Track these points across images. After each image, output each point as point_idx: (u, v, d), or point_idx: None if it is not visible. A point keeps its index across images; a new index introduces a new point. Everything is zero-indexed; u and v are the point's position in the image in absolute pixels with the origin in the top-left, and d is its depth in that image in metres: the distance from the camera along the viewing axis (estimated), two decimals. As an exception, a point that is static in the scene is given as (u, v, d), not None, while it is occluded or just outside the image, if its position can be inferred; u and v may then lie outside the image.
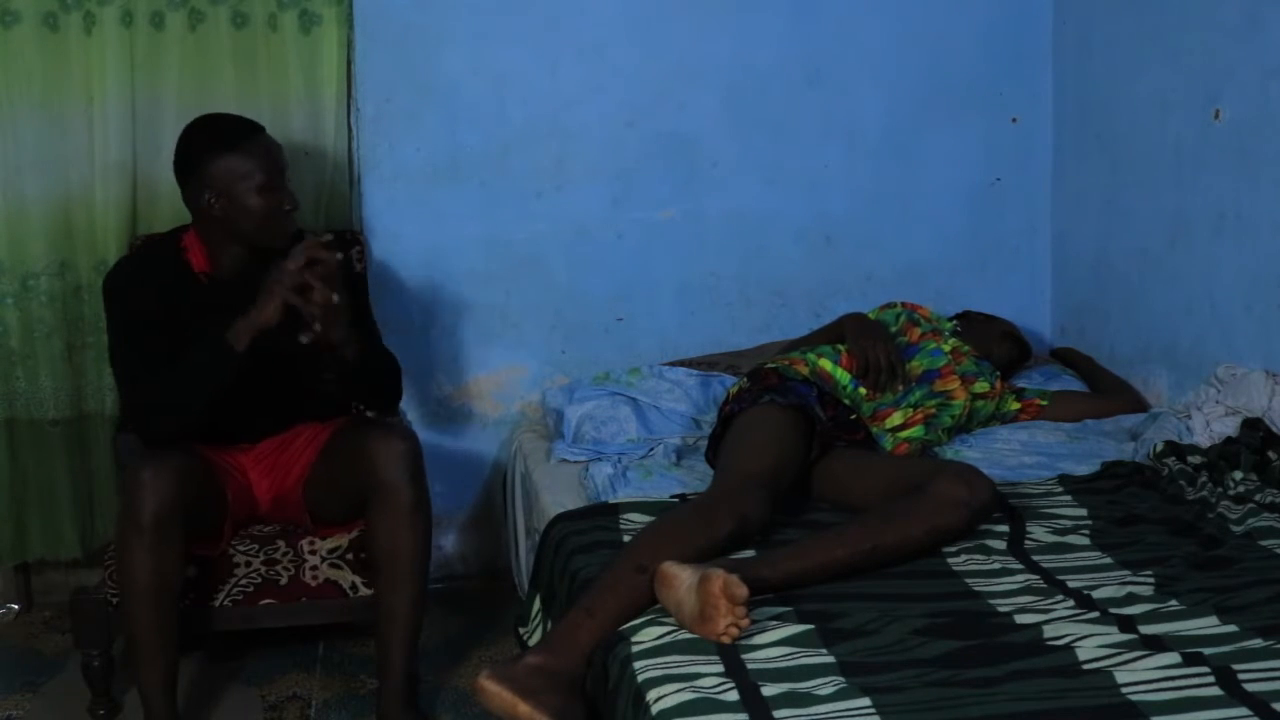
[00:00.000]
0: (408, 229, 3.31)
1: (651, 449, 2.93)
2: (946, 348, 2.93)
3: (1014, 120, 3.55)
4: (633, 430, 3.03)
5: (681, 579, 1.94)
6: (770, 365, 2.77)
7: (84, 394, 3.19)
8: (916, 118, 3.50)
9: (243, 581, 2.72)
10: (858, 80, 3.45)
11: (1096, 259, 3.39)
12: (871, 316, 3.00)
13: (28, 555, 3.23)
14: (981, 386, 2.96)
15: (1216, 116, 2.88)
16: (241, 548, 2.72)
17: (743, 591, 1.87)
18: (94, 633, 2.69)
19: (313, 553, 2.74)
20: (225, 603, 2.72)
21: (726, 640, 1.86)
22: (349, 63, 3.22)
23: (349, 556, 2.74)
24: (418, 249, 3.32)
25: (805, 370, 2.74)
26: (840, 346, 2.84)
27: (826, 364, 2.78)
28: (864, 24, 3.43)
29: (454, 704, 2.78)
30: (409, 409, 3.36)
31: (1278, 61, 2.69)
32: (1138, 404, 3.13)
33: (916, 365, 2.86)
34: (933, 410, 2.83)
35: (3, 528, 3.19)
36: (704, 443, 3.00)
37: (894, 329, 2.94)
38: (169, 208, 3.17)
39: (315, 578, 2.74)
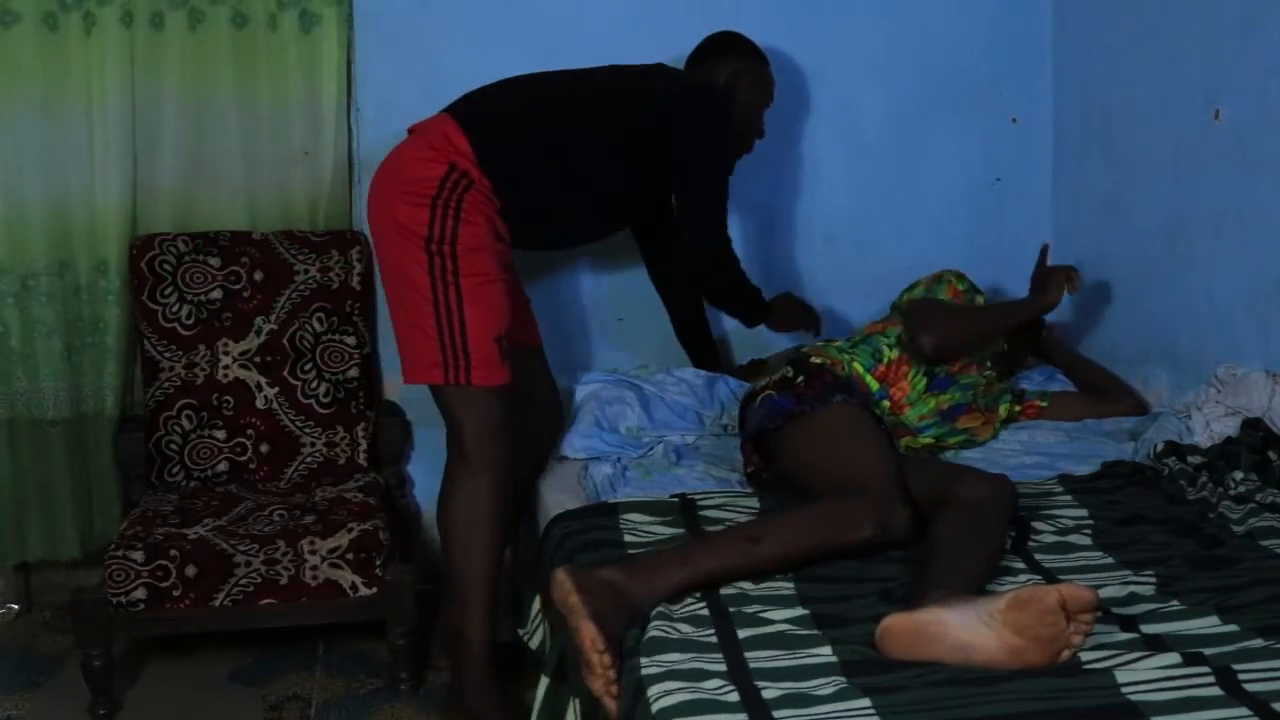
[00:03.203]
0: (408, 229, 3.30)
1: (651, 449, 2.93)
2: (981, 380, 2.87)
3: (1014, 120, 3.55)
4: (635, 418, 3.02)
5: (942, 623, 1.79)
6: (816, 361, 2.67)
7: (84, 394, 3.19)
8: (916, 118, 3.50)
9: (243, 581, 2.72)
10: (858, 80, 3.45)
11: (1096, 259, 3.39)
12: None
13: (28, 555, 3.23)
14: (1003, 412, 2.97)
15: (1216, 116, 2.88)
16: (241, 548, 2.73)
17: (1090, 596, 1.77)
18: (94, 633, 2.70)
19: (313, 553, 2.74)
20: (225, 603, 2.72)
21: (1069, 655, 1.77)
22: (349, 63, 3.22)
23: (349, 556, 2.75)
24: (418, 249, 3.31)
25: (843, 372, 2.67)
26: (890, 351, 2.74)
27: (859, 368, 2.71)
28: (864, 24, 3.43)
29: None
30: (409, 409, 3.36)
31: (1278, 61, 2.69)
32: (1138, 406, 3.13)
33: (945, 400, 2.80)
34: (955, 445, 2.83)
35: (3, 528, 3.19)
36: (704, 441, 3.01)
37: None
38: (169, 208, 3.18)
39: (315, 578, 2.74)
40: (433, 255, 2.50)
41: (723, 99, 2.88)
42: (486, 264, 2.55)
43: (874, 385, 2.72)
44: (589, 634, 1.89)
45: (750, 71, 3.01)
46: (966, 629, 1.78)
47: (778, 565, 2.12)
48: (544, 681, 2.16)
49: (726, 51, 3.00)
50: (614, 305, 3.43)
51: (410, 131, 2.72)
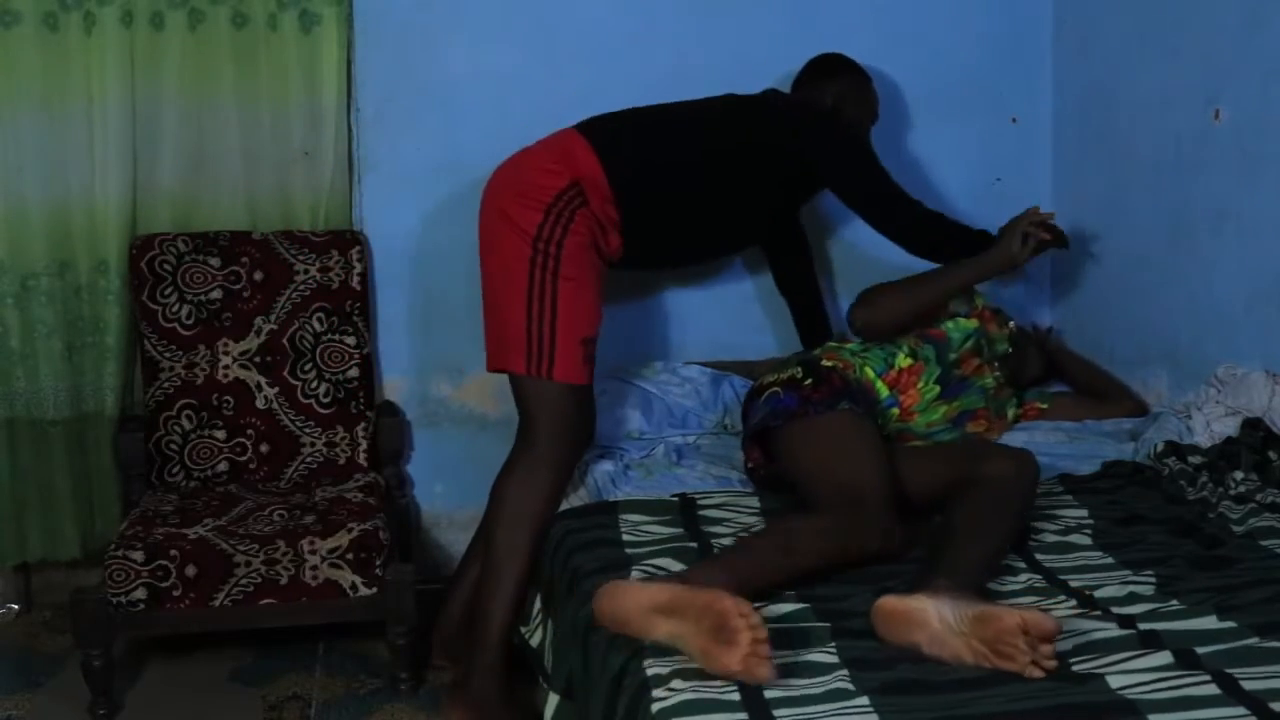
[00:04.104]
0: (408, 229, 3.31)
1: (653, 448, 2.93)
2: (991, 382, 2.88)
3: (1014, 120, 3.55)
4: (635, 424, 3.03)
5: (925, 611, 1.86)
6: (827, 364, 2.66)
7: (84, 394, 3.19)
8: (916, 118, 3.49)
9: (243, 581, 2.72)
10: (858, 80, 3.45)
11: (1097, 259, 3.39)
12: (955, 327, 2.87)
13: (28, 555, 3.23)
14: (1011, 417, 2.97)
15: (1216, 116, 2.88)
16: (241, 548, 2.73)
17: (1052, 626, 1.79)
18: (94, 633, 2.70)
19: (313, 553, 2.74)
20: (225, 603, 2.72)
21: (1039, 674, 1.76)
22: (349, 63, 3.22)
23: (349, 556, 2.75)
24: (418, 249, 3.32)
25: (853, 377, 2.66)
26: (902, 359, 2.72)
27: (870, 373, 2.70)
28: (864, 24, 3.42)
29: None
30: (409, 409, 3.37)
31: (1278, 61, 2.69)
32: (1138, 408, 3.12)
33: (955, 407, 2.80)
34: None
35: (3, 528, 3.19)
36: (705, 440, 3.01)
37: (955, 354, 2.81)
38: (169, 208, 3.18)
39: (315, 578, 2.74)
40: (537, 251, 2.63)
41: (816, 106, 3.02)
42: (586, 270, 2.67)
43: (884, 392, 2.71)
44: (731, 604, 1.78)
45: (854, 91, 3.11)
46: (944, 624, 1.85)
47: (803, 577, 2.11)
48: (553, 699, 2.14)
49: (831, 73, 3.12)
50: (620, 305, 3.43)
51: (537, 142, 2.83)
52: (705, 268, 3.43)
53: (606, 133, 2.79)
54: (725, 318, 3.47)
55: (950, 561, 2.09)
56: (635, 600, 1.89)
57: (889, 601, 1.90)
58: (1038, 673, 1.76)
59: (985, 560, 2.13)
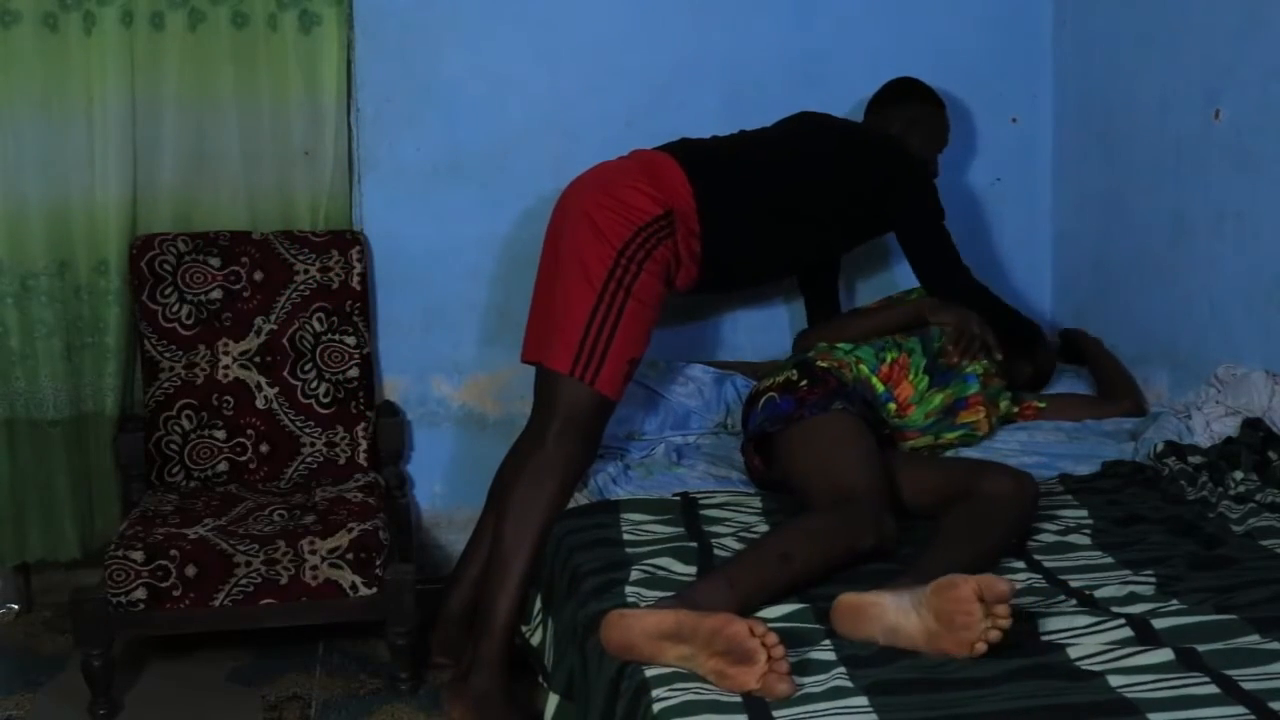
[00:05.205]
0: (408, 229, 3.31)
1: (653, 448, 2.93)
2: (980, 370, 2.88)
3: (1014, 120, 3.55)
4: (639, 423, 3.03)
5: (882, 605, 1.87)
6: (821, 364, 2.69)
7: (84, 394, 3.19)
8: (917, 118, 3.49)
9: (243, 581, 2.72)
10: (858, 80, 3.44)
11: (1096, 259, 3.39)
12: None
13: (28, 555, 3.23)
14: (1007, 409, 2.97)
15: (1216, 116, 2.88)
16: (241, 548, 2.73)
17: (1005, 588, 1.80)
18: (94, 633, 2.70)
19: (313, 553, 2.74)
20: (225, 603, 2.72)
21: (983, 648, 1.77)
22: (349, 63, 3.22)
23: (349, 556, 2.75)
24: (418, 249, 3.32)
25: (850, 376, 2.69)
26: (889, 353, 2.78)
27: (865, 370, 2.73)
28: (864, 24, 3.43)
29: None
30: (409, 409, 3.37)
31: (1278, 61, 2.69)
32: (1137, 409, 3.11)
33: (949, 394, 2.81)
34: (953, 441, 2.82)
35: (3, 528, 3.19)
36: (705, 440, 3.01)
37: (938, 342, 2.85)
38: (169, 208, 3.18)
39: (315, 578, 2.74)
40: (618, 265, 2.65)
41: (898, 146, 3.03)
42: (653, 296, 2.70)
43: (880, 387, 2.73)
44: (743, 625, 1.76)
45: (924, 118, 3.16)
46: (899, 612, 1.85)
47: (805, 581, 2.10)
48: (553, 699, 2.14)
49: (900, 100, 3.17)
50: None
51: (626, 158, 2.86)
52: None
53: (700, 165, 2.80)
54: (731, 318, 3.48)
55: (922, 563, 2.09)
56: (641, 627, 1.86)
57: (846, 599, 1.91)
58: (995, 635, 1.77)
59: (959, 567, 2.10)
